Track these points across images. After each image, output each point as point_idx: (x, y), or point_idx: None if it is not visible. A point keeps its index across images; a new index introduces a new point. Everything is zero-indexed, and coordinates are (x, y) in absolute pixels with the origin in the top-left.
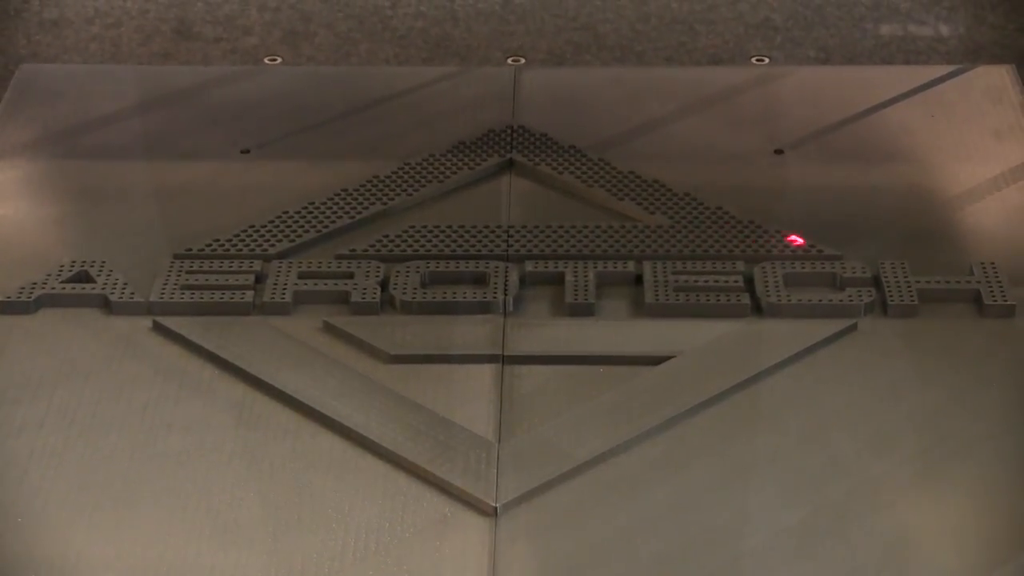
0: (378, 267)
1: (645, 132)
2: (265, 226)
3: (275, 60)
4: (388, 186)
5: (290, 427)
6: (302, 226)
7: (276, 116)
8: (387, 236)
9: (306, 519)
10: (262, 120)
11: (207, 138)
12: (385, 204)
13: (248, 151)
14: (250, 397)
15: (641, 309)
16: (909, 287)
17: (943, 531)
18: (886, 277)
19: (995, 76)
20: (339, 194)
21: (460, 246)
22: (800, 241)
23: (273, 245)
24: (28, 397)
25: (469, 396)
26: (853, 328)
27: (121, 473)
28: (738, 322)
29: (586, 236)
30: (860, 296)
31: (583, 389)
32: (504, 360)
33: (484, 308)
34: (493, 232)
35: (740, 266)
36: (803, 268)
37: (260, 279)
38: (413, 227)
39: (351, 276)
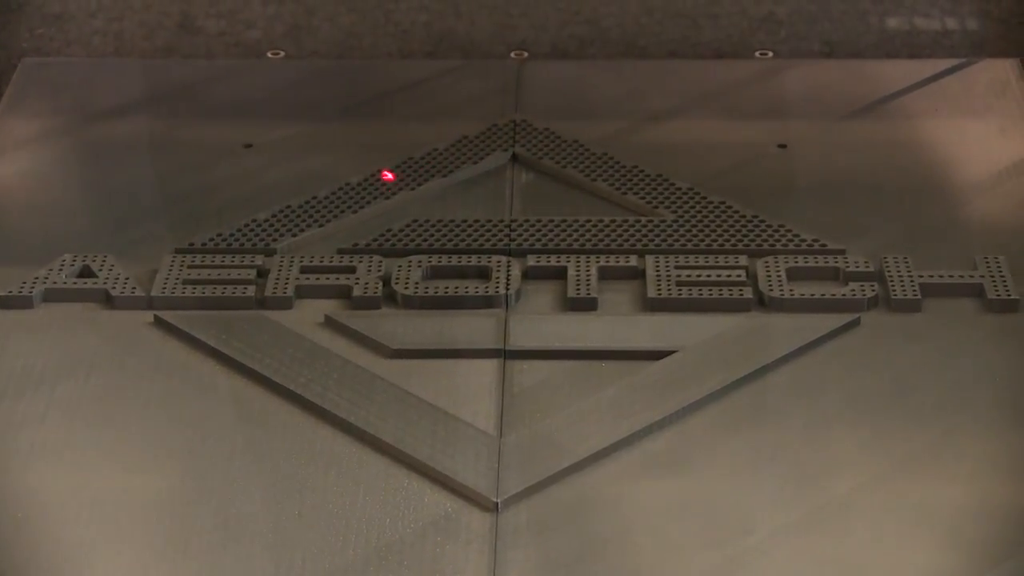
0: (380, 261)
1: (648, 126)
2: (267, 220)
3: (278, 54)
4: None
5: (291, 422)
6: (304, 220)
7: (279, 110)
8: (389, 230)
9: (307, 514)
10: (265, 114)
11: (210, 132)
12: (388, 198)
13: (251, 145)
14: (251, 392)
15: (644, 303)
16: (912, 281)
17: (946, 526)
18: (889, 271)
19: (1000, 70)
20: (342, 188)
21: (462, 240)
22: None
23: (275, 239)
24: (29, 392)
25: (471, 391)
26: (856, 323)
27: (122, 468)
28: (741, 316)
29: (589, 230)
30: (863, 290)
31: (585, 384)
32: (506, 355)
33: (486, 303)
34: (496, 226)
35: (743, 260)
36: (806, 262)
37: (262, 273)
38: (416, 221)
39: (353, 270)
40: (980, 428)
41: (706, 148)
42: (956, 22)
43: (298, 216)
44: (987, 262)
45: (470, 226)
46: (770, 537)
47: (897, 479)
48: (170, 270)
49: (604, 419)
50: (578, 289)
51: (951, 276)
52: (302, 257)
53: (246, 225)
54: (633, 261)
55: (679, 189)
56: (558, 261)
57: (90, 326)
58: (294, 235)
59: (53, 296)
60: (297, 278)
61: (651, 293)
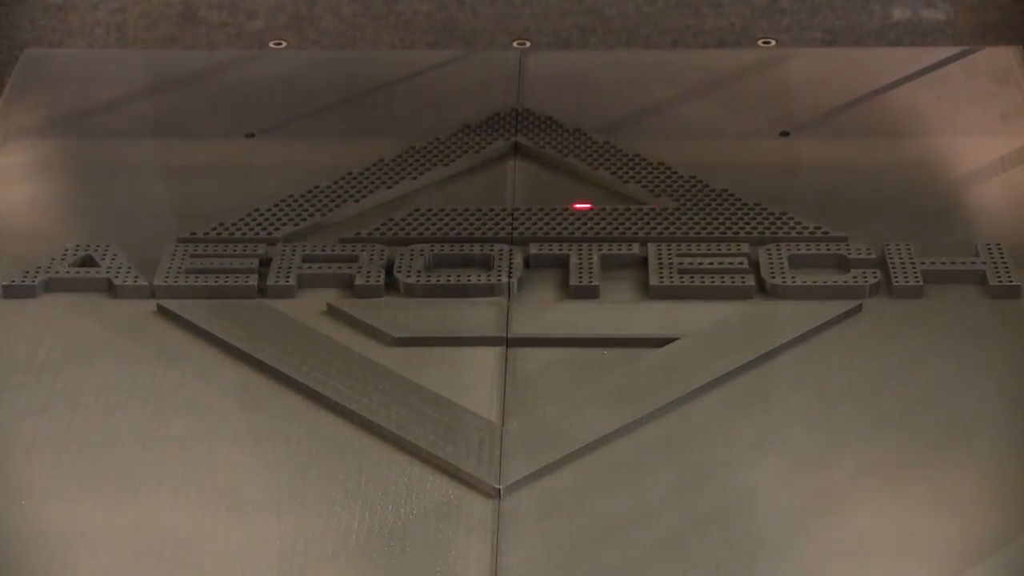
0: (382, 250)
1: (651, 115)
2: (270, 209)
3: (280, 44)
4: (393, 169)
5: (294, 410)
6: (307, 209)
7: (281, 100)
8: (392, 219)
9: (310, 501)
10: (267, 104)
11: (212, 122)
12: (390, 187)
13: (253, 135)
14: (254, 380)
15: (645, 291)
16: (914, 268)
17: (948, 511)
18: (891, 258)
19: (1001, 57)
20: (344, 178)
21: (465, 229)
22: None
23: (278, 228)
24: (32, 381)
25: (473, 379)
26: (858, 309)
27: (125, 456)
28: (743, 304)
29: (591, 218)
30: (865, 277)
31: (587, 371)
32: (508, 343)
33: (488, 291)
34: (498, 215)
35: (745, 248)
36: (808, 250)
37: (264, 262)
38: (418, 210)
39: (355, 259)
40: (981, 414)
41: (708, 136)
42: (958, 10)
43: (300, 205)
44: (989, 248)
45: (472, 215)
46: (771, 523)
47: (899, 464)
48: (172, 259)
49: (606, 406)
50: (580, 277)
51: (953, 263)
52: (304, 246)
53: (248, 214)
54: (635, 249)
55: (681, 177)
56: (560, 249)
57: (93, 315)
58: (296, 224)
59: (56, 286)
60: (299, 267)
61: (653, 281)
